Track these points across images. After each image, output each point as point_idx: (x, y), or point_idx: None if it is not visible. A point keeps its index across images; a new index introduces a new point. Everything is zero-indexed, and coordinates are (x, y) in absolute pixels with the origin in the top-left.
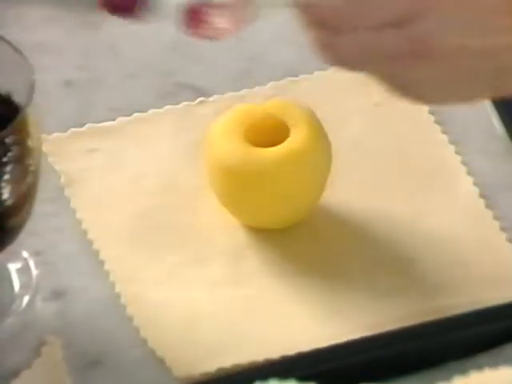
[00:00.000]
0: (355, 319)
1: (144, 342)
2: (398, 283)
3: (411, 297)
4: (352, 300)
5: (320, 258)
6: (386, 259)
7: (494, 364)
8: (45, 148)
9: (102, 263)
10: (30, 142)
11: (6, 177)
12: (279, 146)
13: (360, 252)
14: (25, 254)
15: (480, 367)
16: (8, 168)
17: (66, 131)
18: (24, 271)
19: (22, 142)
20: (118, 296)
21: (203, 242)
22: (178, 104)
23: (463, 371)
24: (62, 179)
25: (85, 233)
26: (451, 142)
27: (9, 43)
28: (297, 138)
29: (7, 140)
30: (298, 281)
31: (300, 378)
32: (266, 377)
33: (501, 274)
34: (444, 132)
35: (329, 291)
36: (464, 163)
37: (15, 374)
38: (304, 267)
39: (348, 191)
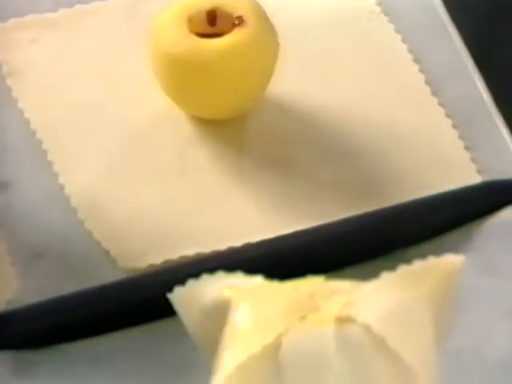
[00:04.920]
0: (301, 210)
1: (89, 233)
2: (344, 173)
3: (357, 187)
4: (298, 191)
5: (267, 149)
6: (332, 150)
7: (437, 252)
8: None
9: (45, 153)
10: None
11: None
12: (224, 37)
13: (307, 143)
14: None
15: (423, 256)
16: None
17: (6, 21)
18: None
19: None
20: (61, 187)
21: (148, 133)
22: None
23: (407, 260)
24: (4, 69)
25: (27, 123)
26: (397, 31)
27: None
28: (242, 29)
29: None
30: (245, 172)
31: (247, 270)
32: (213, 269)
33: (446, 160)
34: (391, 22)
35: (275, 182)
36: (410, 51)
37: None
38: (250, 158)
39: (296, 83)
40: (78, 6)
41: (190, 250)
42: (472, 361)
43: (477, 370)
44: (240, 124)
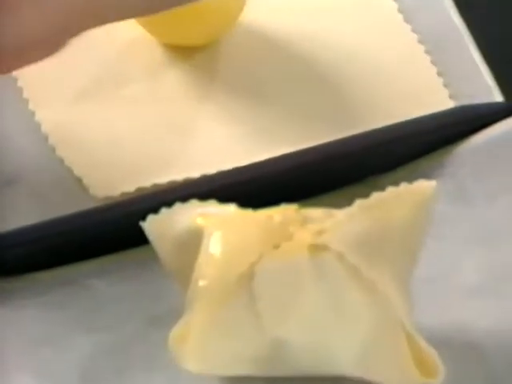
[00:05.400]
0: (274, 137)
1: (60, 161)
2: (316, 101)
3: (330, 114)
4: (271, 118)
5: (239, 76)
6: (305, 77)
7: (410, 179)
8: None
9: (14, 80)
10: None
11: None
12: None
13: (280, 71)
14: None
15: (396, 183)
16: None
17: None
18: None
19: None
20: (32, 114)
21: (120, 60)
22: None
23: (380, 187)
24: None
25: None
26: None
27: None
28: None
29: None
30: (217, 100)
31: (220, 199)
32: (186, 197)
33: (419, 85)
34: None
35: (248, 110)
36: None
37: None
38: (223, 85)
39: (269, 12)
40: None
41: (163, 178)
42: (443, 287)
43: (448, 296)
44: (213, 51)
